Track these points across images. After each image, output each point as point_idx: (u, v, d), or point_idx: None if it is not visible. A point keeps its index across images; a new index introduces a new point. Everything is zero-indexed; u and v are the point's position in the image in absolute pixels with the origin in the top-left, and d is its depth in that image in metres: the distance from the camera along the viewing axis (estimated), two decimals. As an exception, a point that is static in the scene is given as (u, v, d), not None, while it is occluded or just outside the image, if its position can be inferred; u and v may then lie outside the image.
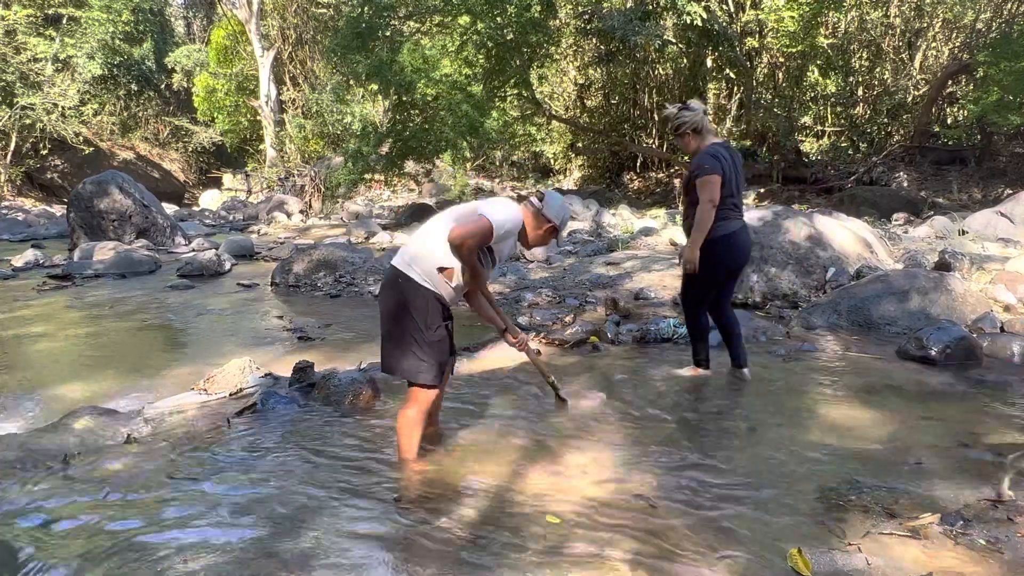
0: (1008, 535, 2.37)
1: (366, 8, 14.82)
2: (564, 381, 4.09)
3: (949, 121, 17.03)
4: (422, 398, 2.96)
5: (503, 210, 2.91)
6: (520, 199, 3.09)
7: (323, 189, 20.10)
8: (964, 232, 10.10)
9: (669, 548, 2.37)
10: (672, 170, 19.73)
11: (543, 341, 5.12)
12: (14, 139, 22.81)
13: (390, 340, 2.96)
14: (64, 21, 23.36)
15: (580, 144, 22.76)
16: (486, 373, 4.42)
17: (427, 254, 2.88)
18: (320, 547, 2.36)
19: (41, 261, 10.05)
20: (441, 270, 2.86)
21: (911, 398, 3.89)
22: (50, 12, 23.16)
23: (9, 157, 22.89)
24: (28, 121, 22.59)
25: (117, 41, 25.34)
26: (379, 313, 3.00)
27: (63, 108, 23.17)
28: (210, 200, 25.88)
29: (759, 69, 17.00)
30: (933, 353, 4.51)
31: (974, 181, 15.31)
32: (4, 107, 22.19)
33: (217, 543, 2.40)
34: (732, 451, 3.20)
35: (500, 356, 4.73)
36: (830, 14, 15.23)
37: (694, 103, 4.09)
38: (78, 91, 23.56)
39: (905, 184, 15.62)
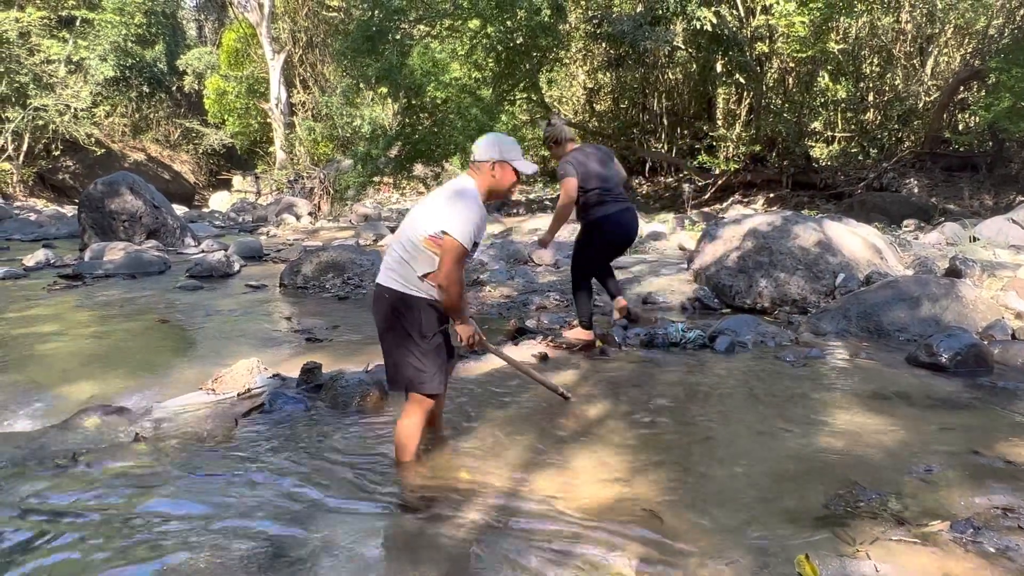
0: (1019, 543, 2.35)
1: (376, 12, 14.87)
2: (571, 385, 4.09)
3: (960, 127, 16.93)
4: (422, 407, 2.94)
5: (463, 208, 2.78)
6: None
7: (332, 191, 20.16)
8: (975, 239, 10.03)
9: (675, 552, 2.36)
10: (681, 175, 19.70)
11: (550, 344, 5.11)
12: (27, 140, 22.99)
13: (389, 354, 2.94)
14: (77, 23, 23.54)
15: (589, 148, 22.74)
16: (491, 376, 4.41)
17: (406, 265, 2.83)
18: (327, 548, 2.37)
19: (52, 261, 10.12)
20: (424, 276, 2.82)
21: (921, 405, 3.86)
22: (64, 14, 23.34)
23: (22, 158, 23.07)
24: (41, 122, 22.76)
25: (129, 43, 25.50)
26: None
27: (75, 109, 23.34)
28: (220, 202, 26.00)
29: (769, 74, 16.94)
30: (943, 360, 4.47)
31: (985, 188, 15.21)
32: (17, 108, 22.36)
33: (224, 543, 2.40)
34: (739, 456, 3.18)
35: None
36: (841, 19, 15.18)
37: (553, 119, 5.04)
38: (90, 93, 23.72)
39: (916, 190, 15.54)
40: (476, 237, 2.82)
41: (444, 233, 2.72)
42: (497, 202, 19.73)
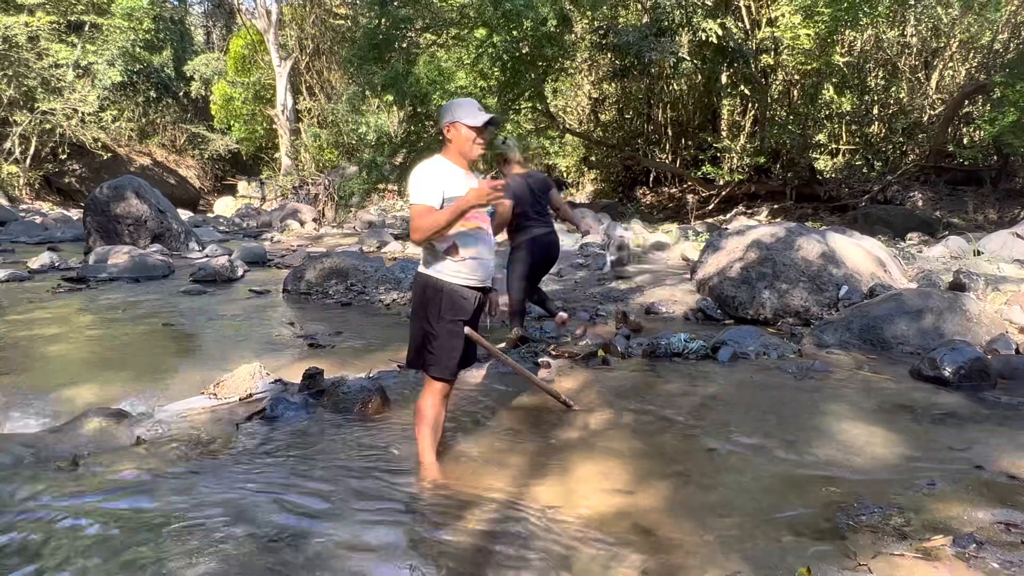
0: (1022, 559, 2.33)
1: (383, 20, 14.95)
2: (573, 394, 4.08)
3: (965, 141, 16.95)
4: (435, 388, 3.01)
5: (412, 180, 2.88)
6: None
7: (336, 198, 20.22)
8: (979, 253, 10.02)
9: (676, 564, 2.35)
10: (685, 185, 19.72)
11: (553, 353, 5.11)
12: (34, 143, 23.10)
13: (412, 335, 3.05)
14: (86, 28, 23.69)
15: (593, 158, 22.81)
16: (495, 383, 4.41)
17: (428, 249, 2.95)
18: (326, 555, 2.36)
19: (57, 264, 10.14)
20: (447, 251, 2.90)
21: (924, 418, 3.84)
22: (73, 19, 23.48)
23: (29, 161, 23.17)
24: (48, 126, 22.88)
25: (137, 49, 25.64)
26: None
27: (83, 114, 23.45)
28: (224, 207, 26.08)
29: (774, 86, 17.00)
30: (947, 374, 4.45)
31: (990, 202, 15.22)
32: (25, 112, 22.48)
33: (223, 548, 2.40)
34: (741, 468, 3.17)
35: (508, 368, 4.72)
36: (846, 32, 15.23)
37: (509, 140, 5.76)
38: (98, 97, 23.83)
39: (920, 204, 15.55)
40: (444, 193, 2.84)
41: (412, 204, 2.89)
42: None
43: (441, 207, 2.84)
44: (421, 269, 2.99)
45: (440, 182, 2.86)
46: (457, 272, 2.92)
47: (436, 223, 2.79)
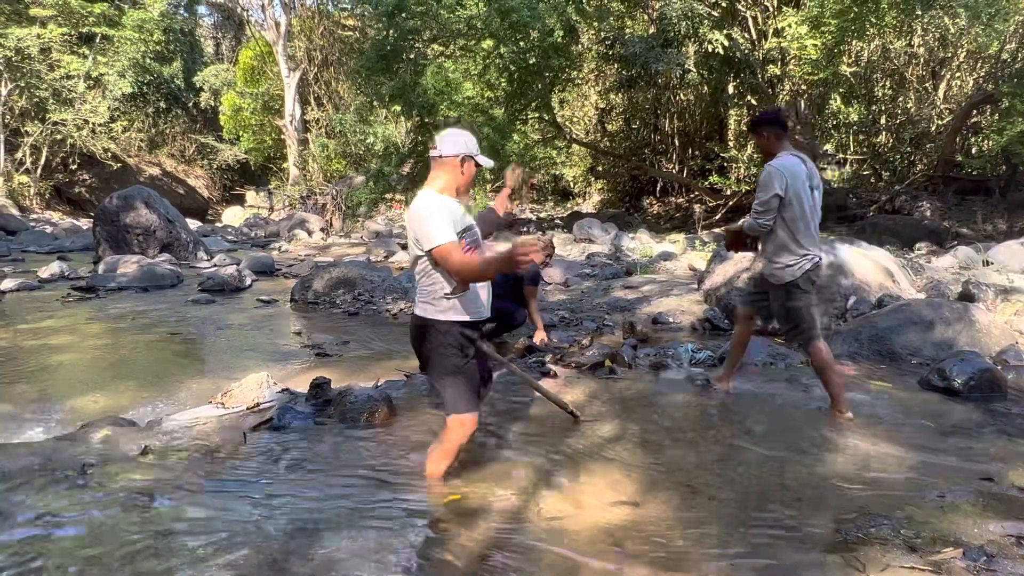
0: (1034, 573, 2.31)
1: (391, 31, 15.06)
2: (580, 405, 4.07)
3: (973, 151, 16.89)
4: (462, 429, 2.91)
5: (426, 220, 2.74)
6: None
7: (344, 208, 20.31)
8: (988, 263, 9.96)
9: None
10: (692, 195, 19.72)
11: (559, 363, 5.10)
12: (45, 153, 23.32)
13: (437, 380, 2.92)
14: (97, 40, 23.93)
15: (600, 168, 22.86)
16: (500, 392, 4.40)
17: (428, 290, 2.84)
18: (332, 565, 2.36)
19: (67, 273, 10.21)
20: (456, 289, 2.80)
21: (933, 430, 3.82)
22: (84, 31, 23.74)
23: (39, 171, 23.38)
24: (59, 136, 23.11)
25: (148, 60, 25.90)
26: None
27: (93, 124, 23.68)
28: (233, 216, 26.23)
29: (781, 96, 17.00)
30: (956, 384, 4.43)
31: (999, 212, 15.14)
32: (36, 122, 22.72)
33: (229, 557, 2.40)
34: (749, 480, 3.15)
35: (515, 378, 4.71)
36: (853, 43, 15.24)
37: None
38: (108, 108, 24.06)
39: (928, 214, 15.48)
40: (456, 227, 2.77)
41: (431, 251, 2.73)
42: (508, 219, 19.78)
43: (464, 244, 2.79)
44: (429, 315, 2.84)
45: (450, 217, 2.77)
46: (469, 308, 2.85)
47: (476, 271, 2.70)
